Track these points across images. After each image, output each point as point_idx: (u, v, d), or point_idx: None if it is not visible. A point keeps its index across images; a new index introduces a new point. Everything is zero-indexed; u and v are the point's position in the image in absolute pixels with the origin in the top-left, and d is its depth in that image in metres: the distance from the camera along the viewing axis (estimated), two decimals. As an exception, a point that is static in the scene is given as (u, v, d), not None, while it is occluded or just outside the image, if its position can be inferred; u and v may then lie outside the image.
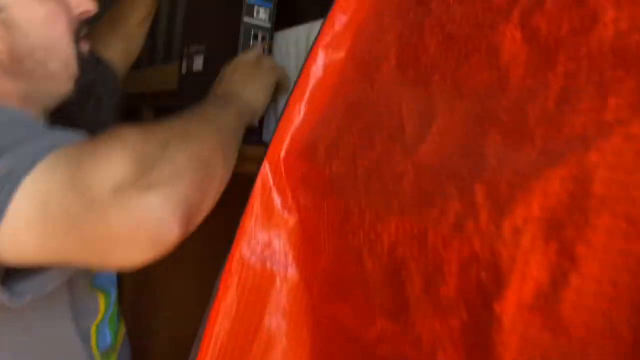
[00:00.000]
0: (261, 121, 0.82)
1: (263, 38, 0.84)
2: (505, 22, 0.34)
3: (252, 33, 0.83)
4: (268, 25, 0.84)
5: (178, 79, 1.03)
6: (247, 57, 0.78)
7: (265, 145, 0.59)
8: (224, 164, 0.56)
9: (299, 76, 0.58)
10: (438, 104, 0.38)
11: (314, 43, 0.58)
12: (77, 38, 0.70)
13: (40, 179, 0.43)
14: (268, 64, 0.79)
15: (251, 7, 0.82)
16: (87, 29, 0.73)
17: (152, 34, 1.19)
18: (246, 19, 0.82)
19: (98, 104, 0.88)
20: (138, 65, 1.11)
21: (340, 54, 0.57)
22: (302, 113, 0.57)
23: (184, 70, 1.01)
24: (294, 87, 0.59)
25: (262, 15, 0.83)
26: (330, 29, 0.57)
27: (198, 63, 0.95)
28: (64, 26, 0.66)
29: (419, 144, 0.38)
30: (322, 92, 0.56)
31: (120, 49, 0.99)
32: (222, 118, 0.65)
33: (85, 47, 0.71)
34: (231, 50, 0.83)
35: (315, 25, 0.78)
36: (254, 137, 0.80)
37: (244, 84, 0.75)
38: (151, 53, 1.43)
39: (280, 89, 0.79)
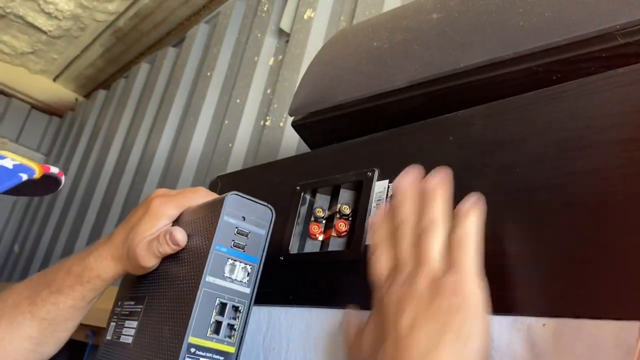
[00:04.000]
0: None
1: (236, 310, 0.52)
2: None
3: (216, 303, 0.51)
4: (247, 290, 0.53)
5: (101, 344, 0.68)
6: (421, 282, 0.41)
7: None
8: None
9: None
10: None
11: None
12: None
13: None
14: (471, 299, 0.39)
15: (221, 258, 0.52)
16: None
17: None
18: (211, 279, 0.51)
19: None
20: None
21: None
22: None
23: (109, 335, 0.66)
24: None
25: (238, 274, 0.53)
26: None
27: (129, 332, 0.61)
28: None
29: None
30: None
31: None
32: None
33: None
34: (183, 320, 0.51)
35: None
36: None
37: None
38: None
39: None
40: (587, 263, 0.37)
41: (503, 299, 0.40)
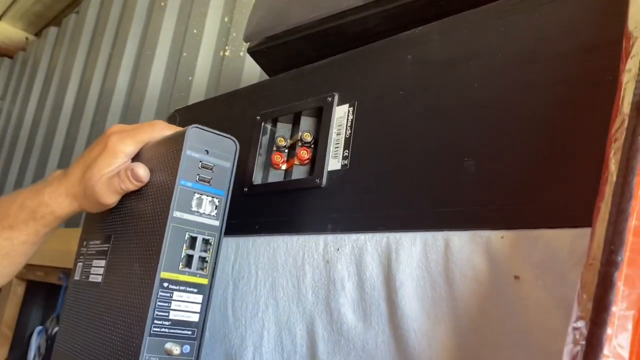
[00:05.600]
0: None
1: (207, 243, 0.52)
2: None
3: (186, 237, 0.51)
4: (216, 223, 0.53)
5: (69, 284, 0.68)
6: None
7: None
8: None
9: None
10: None
11: None
12: None
13: None
14: None
15: (187, 193, 0.51)
16: None
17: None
18: (178, 214, 0.51)
19: None
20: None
21: None
22: None
23: (77, 275, 0.66)
24: None
25: (206, 208, 0.52)
26: None
27: (97, 271, 0.61)
28: None
29: None
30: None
31: None
32: None
33: None
34: (153, 257, 0.50)
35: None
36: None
37: None
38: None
39: None
40: (542, 175, 0.37)
41: (462, 214, 0.41)
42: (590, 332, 0.23)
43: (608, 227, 0.25)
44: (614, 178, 0.27)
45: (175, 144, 0.53)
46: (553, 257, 0.35)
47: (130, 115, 1.59)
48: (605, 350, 0.24)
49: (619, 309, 0.26)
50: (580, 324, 0.24)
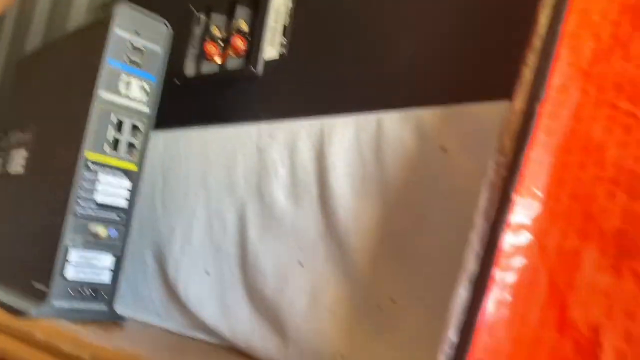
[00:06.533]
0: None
1: (135, 129, 0.50)
2: None
3: (112, 119, 0.49)
4: (146, 109, 0.51)
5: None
6: None
7: None
8: None
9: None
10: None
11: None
12: None
13: None
14: None
15: (115, 74, 0.49)
16: None
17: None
18: (105, 94, 0.48)
19: None
20: None
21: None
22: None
23: (-5, 169, 0.63)
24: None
25: (135, 92, 0.50)
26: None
27: (17, 162, 0.58)
28: None
29: None
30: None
31: None
32: None
33: None
34: (77, 138, 0.48)
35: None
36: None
37: None
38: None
39: None
40: (469, 53, 0.38)
41: (394, 95, 0.41)
42: (512, 158, 0.24)
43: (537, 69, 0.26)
44: (544, 28, 0.27)
45: (102, 23, 0.50)
46: (479, 128, 0.36)
47: (58, 16, 1.50)
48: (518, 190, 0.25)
49: (536, 153, 0.27)
50: (501, 158, 0.25)
